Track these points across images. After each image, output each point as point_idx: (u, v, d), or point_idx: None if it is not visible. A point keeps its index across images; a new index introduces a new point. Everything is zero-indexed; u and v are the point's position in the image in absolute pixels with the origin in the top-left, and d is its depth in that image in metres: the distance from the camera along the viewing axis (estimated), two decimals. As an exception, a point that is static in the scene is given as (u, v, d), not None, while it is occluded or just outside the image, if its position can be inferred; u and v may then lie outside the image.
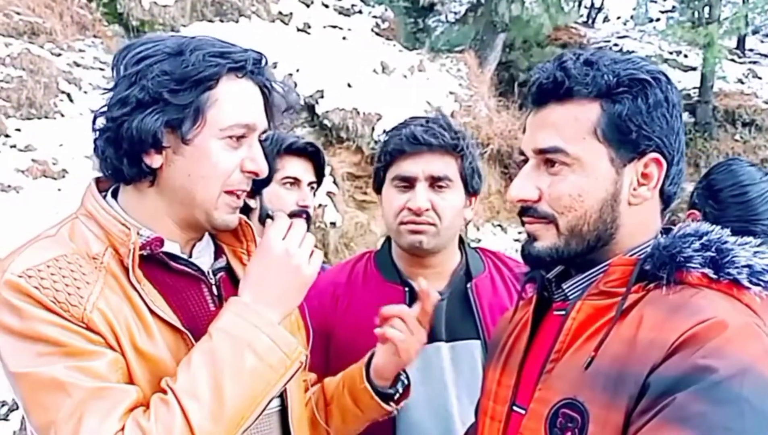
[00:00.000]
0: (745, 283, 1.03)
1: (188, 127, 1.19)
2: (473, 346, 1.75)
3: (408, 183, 1.72)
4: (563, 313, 1.14)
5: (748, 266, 1.04)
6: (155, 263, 1.23)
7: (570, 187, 1.10)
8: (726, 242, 1.06)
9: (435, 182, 1.72)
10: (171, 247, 1.27)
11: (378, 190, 1.82)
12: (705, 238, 1.07)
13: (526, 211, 1.16)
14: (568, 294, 1.17)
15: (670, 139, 1.11)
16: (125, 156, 1.21)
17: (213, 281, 1.32)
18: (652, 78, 1.10)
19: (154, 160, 1.21)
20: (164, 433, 1.08)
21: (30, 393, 1.11)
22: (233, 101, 1.23)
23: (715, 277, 1.04)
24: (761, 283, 1.04)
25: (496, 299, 1.80)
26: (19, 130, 6.23)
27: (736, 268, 1.04)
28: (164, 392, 1.13)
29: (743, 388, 0.92)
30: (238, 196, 1.27)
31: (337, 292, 1.77)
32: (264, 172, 1.28)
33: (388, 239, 1.88)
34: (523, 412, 1.14)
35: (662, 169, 1.11)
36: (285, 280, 1.23)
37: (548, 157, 1.12)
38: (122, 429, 1.09)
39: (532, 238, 1.16)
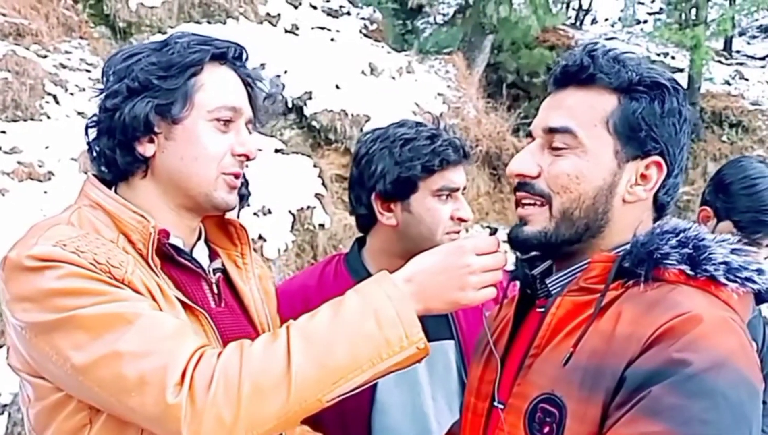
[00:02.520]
0: (722, 279, 1.04)
1: (177, 110, 1.24)
2: (447, 347, 1.75)
3: (449, 193, 1.72)
4: (544, 309, 1.15)
5: (725, 263, 1.05)
6: (160, 255, 1.24)
7: (570, 167, 1.11)
8: (703, 239, 1.07)
9: (462, 192, 1.75)
10: (175, 241, 1.29)
11: (395, 198, 1.72)
12: (682, 235, 1.07)
13: (522, 187, 1.16)
14: (551, 290, 1.18)
15: (675, 149, 1.13)
16: (118, 146, 1.25)
17: (213, 280, 1.34)
18: (672, 87, 1.13)
19: (146, 149, 1.26)
20: (262, 363, 1.08)
21: (76, 332, 1.08)
22: (218, 86, 1.29)
23: (692, 273, 1.05)
24: (738, 279, 1.04)
25: None
26: (4, 132, 6.18)
27: (713, 264, 1.04)
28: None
29: (718, 381, 0.93)
30: (235, 176, 1.30)
31: (308, 296, 1.73)
32: (254, 155, 1.32)
33: (358, 241, 1.87)
34: (502, 407, 1.14)
35: (662, 174, 1.12)
36: (445, 286, 1.17)
37: (556, 139, 1.13)
38: (202, 347, 1.10)
39: (522, 222, 1.17)
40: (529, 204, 1.15)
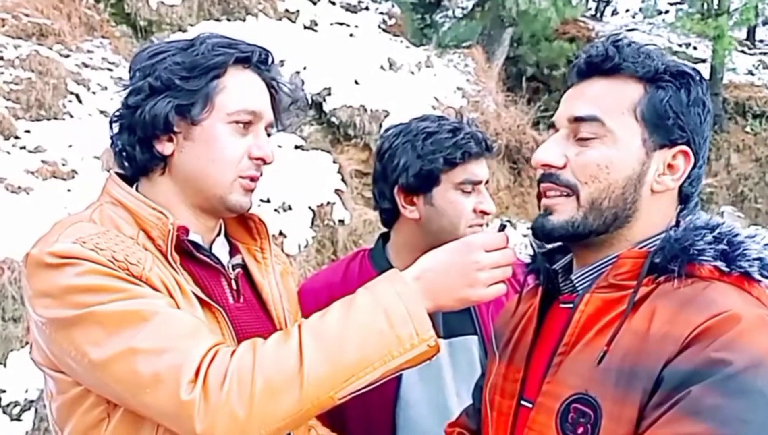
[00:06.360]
0: (756, 275, 1.03)
1: (198, 111, 1.25)
2: (471, 342, 1.76)
3: (472, 186, 1.72)
4: (570, 305, 1.14)
5: (759, 259, 1.04)
6: (180, 251, 1.26)
7: (599, 157, 1.10)
8: (737, 235, 1.06)
9: (485, 185, 1.76)
10: (194, 237, 1.31)
11: (418, 191, 1.73)
12: (717, 230, 1.06)
13: (547, 178, 1.14)
14: (577, 285, 1.16)
15: (699, 139, 1.12)
16: (138, 142, 1.27)
17: (232, 275, 1.35)
18: (698, 77, 1.13)
19: (165, 147, 1.27)
20: (274, 362, 1.09)
21: (94, 329, 1.10)
22: (240, 89, 1.29)
23: (726, 270, 1.03)
24: None
25: None
26: (28, 131, 6.25)
27: (747, 260, 1.03)
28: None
29: (757, 380, 0.92)
30: (251, 180, 1.31)
31: (333, 292, 1.68)
32: (270, 159, 1.32)
33: (383, 236, 1.87)
34: (530, 406, 1.13)
35: (689, 163, 1.11)
36: (455, 284, 1.18)
37: (582, 128, 1.11)
38: (217, 344, 1.11)
39: (547, 211, 1.15)
40: (555, 195, 1.14)
